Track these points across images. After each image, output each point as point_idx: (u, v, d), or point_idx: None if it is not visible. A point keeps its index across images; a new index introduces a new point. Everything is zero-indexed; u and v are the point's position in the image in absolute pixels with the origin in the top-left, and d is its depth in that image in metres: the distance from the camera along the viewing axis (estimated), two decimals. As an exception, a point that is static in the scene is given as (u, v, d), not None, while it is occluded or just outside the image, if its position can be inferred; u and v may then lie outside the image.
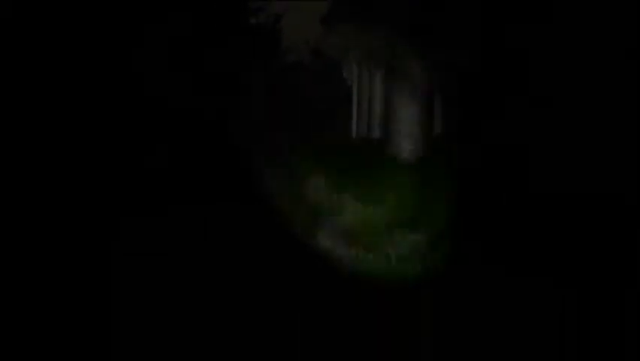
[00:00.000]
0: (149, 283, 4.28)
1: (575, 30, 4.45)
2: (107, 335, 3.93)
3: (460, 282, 4.34)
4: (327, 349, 3.93)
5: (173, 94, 4.85)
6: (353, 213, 5.05)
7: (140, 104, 4.74)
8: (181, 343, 3.93)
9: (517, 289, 4.19)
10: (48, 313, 3.97)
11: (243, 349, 3.91)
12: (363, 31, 5.51)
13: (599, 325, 3.98)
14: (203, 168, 4.91)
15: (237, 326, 4.05)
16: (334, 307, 4.18)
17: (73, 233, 4.37)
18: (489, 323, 4.02)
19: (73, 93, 4.58)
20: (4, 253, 4.17)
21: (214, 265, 4.44)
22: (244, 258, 4.49)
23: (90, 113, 4.62)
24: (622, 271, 4.19)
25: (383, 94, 5.86)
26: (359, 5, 5.54)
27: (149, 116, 4.77)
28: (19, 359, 3.76)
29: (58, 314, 3.99)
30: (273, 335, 4.00)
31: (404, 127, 5.47)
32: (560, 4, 4.50)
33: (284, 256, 4.51)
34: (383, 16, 5.28)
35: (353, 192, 5.15)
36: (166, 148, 4.88)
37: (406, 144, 5.51)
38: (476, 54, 4.77)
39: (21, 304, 4.00)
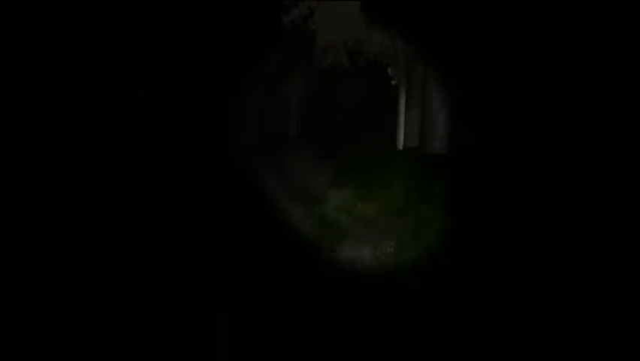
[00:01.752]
0: (151, 285, 4.29)
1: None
2: (115, 335, 3.95)
3: (466, 282, 4.36)
4: (330, 348, 3.93)
5: (191, 92, 4.79)
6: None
7: (153, 104, 4.70)
8: (184, 343, 3.94)
9: (518, 291, 4.20)
10: (56, 312, 4.00)
11: (245, 348, 3.92)
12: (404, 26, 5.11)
13: (599, 325, 3.98)
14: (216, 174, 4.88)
15: (241, 326, 4.07)
16: (343, 309, 4.20)
17: (78, 238, 4.38)
18: (489, 323, 4.03)
19: (75, 93, 4.56)
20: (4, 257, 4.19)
21: (220, 268, 4.45)
22: (253, 260, 4.51)
23: (93, 114, 4.60)
24: (624, 273, 4.21)
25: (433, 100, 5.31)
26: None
27: (164, 117, 4.73)
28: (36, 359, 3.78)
29: (64, 313, 4.01)
30: (277, 335, 4.01)
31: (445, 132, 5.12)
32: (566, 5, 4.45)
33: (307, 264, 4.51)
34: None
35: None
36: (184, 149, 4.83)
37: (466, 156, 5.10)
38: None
39: (28, 304, 4.02)
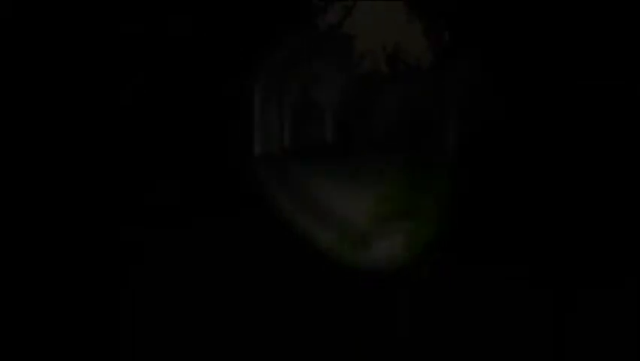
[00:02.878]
0: (158, 292, 4.27)
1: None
2: (117, 340, 3.91)
3: (462, 279, 4.36)
4: (332, 347, 3.90)
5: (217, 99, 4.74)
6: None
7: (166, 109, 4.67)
8: (187, 347, 3.91)
9: (515, 288, 4.19)
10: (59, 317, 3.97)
11: (248, 349, 3.89)
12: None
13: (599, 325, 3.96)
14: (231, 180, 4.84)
15: (243, 328, 4.04)
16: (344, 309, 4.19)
17: (77, 240, 4.37)
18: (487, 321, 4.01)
19: (75, 93, 4.56)
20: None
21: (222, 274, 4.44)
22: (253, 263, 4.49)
23: (92, 114, 4.60)
24: (623, 273, 4.18)
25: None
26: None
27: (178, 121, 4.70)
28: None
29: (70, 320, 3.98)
30: (280, 337, 3.98)
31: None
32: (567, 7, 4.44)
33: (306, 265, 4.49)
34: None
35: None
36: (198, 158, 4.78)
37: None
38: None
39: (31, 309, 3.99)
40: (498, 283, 4.21)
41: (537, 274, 4.30)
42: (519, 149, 4.58)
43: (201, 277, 4.44)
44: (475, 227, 4.60)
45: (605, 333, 3.82)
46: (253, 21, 4.79)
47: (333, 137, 5.46)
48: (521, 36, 4.56)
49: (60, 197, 4.43)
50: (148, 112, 4.75)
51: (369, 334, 3.98)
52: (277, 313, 4.18)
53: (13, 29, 4.27)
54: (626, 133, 4.33)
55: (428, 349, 3.81)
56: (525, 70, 4.53)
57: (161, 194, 4.78)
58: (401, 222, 4.95)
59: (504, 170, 4.63)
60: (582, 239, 4.34)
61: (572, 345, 3.77)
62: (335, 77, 5.46)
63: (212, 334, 3.95)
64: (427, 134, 5.56)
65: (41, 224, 4.35)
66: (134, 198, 4.66)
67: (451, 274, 4.37)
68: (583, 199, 4.41)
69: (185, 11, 4.73)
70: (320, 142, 5.42)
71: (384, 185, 5.00)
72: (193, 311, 4.14)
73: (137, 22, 4.59)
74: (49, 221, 4.37)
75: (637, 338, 3.74)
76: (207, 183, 4.95)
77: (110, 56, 4.60)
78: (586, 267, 4.25)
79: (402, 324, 4.01)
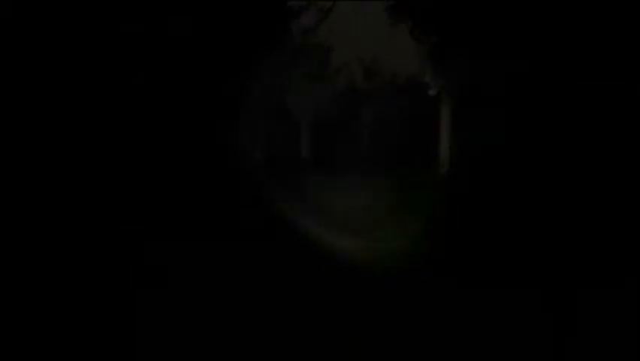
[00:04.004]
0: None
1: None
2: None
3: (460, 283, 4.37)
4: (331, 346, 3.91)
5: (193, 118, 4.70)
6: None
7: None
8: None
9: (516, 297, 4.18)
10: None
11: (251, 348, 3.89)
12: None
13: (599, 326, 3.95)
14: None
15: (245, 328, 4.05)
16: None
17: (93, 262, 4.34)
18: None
19: (76, 93, 4.55)
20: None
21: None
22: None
23: (92, 114, 4.59)
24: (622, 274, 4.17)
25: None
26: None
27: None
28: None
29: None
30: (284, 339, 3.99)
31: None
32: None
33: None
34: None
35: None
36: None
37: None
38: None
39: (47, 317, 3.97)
40: (488, 304, 4.16)
41: (529, 293, 4.26)
42: (510, 160, 4.56)
43: (201, 278, 4.45)
44: (463, 245, 4.59)
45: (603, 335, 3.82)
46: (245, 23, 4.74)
47: (309, 153, 5.37)
48: (511, 38, 4.53)
49: (55, 201, 4.42)
50: (147, 111, 4.75)
51: (368, 333, 4.00)
52: (277, 311, 4.19)
53: (13, 29, 4.25)
54: (622, 142, 4.33)
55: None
56: (516, 75, 4.51)
57: (160, 193, 4.78)
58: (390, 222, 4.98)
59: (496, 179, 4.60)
60: (574, 252, 4.32)
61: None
62: (311, 89, 5.32)
63: (212, 333, 3.96)
64: (409, 149, 5.51)
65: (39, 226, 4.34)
66: (133, 199, 4.65)
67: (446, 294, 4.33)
68: (575, 214, 4.39)
69: (185, 11, 4.73)
70: (296, 159, 5.34)
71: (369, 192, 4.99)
72: (197, 308, 4.14)
73: (137, 22, 4.58)
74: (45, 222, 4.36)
75: (637, 338, 3.72)
76: (207, 182, 4.95)
77: (111, 56, 4.59)
78: (585, 270, 4.24)
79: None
